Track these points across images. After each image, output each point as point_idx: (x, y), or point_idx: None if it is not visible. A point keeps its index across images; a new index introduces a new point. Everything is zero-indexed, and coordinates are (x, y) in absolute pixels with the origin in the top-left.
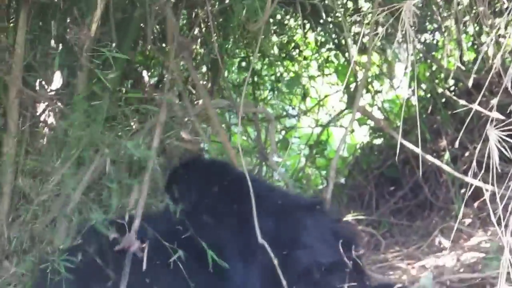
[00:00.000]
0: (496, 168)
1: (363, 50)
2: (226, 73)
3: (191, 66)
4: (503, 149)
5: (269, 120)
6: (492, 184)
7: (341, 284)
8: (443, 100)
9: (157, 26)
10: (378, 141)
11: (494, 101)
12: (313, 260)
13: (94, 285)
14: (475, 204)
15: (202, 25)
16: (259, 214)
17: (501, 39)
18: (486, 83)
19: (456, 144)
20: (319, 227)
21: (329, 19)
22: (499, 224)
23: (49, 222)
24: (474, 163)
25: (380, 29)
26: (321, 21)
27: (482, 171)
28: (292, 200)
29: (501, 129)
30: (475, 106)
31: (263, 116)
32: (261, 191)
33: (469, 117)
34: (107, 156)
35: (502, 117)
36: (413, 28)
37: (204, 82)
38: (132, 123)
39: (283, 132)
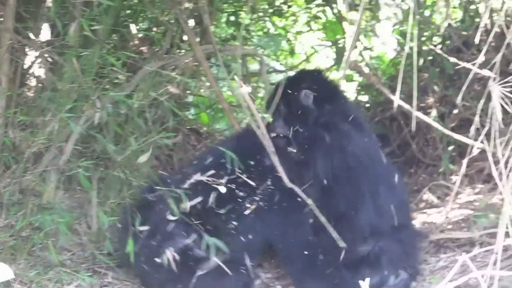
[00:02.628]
0: (499, 124)
1: (352, 6)
2: (214, 28)
3: (184, 20)
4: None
5: (261, 62)
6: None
7: None
8: (430, 57)
9: None
10: (364, 98)
11: (497, 58)
12: None
13: None
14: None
15: None
16: None
17: None
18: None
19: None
20: None
21: None
22: (487, 182)
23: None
24: (477, 118)
25: None
26: None
27: (485, 129)
28: None
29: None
30: (474, 68)
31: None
32: None
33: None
34: (98, 108)
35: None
36: None
37: None
38: (121, 75)
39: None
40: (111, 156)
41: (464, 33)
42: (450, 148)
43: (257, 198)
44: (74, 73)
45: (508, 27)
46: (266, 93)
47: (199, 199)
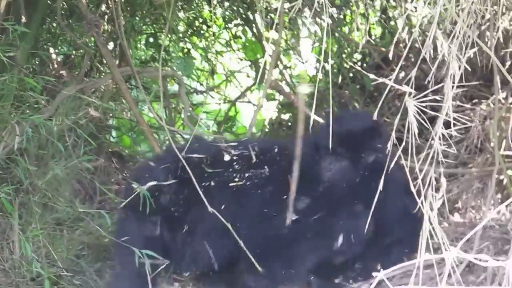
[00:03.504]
0: (416, 139)
1: (271, 25)
2: (133, 50)
3: (101, 43)
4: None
5: (179, 84)
6: (411, 156)
7: None
8: (351, 74)
9: (64, 3)
10: (285, 117)
11: (412, 73)
12: None
13: None
14: None
15: (109, 2)
16: None
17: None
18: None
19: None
20: None
21: None
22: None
23: None
24: (393, 135)
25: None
26: None
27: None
28: None
29: (418, 101)
30: (390, 82)
31: (172, 93)
32: None
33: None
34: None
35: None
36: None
37: None
38: (40, 99)
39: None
40: (32, 180)
41: (383, 49)
42: None
43: None
44: None
45: (423, 42)
46: (185, 114)
47: None
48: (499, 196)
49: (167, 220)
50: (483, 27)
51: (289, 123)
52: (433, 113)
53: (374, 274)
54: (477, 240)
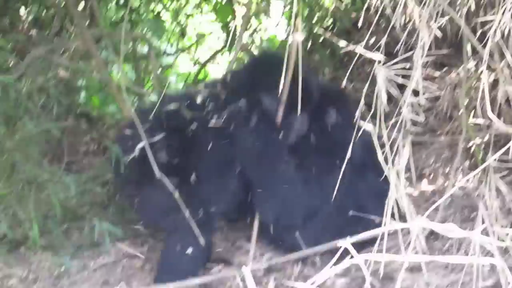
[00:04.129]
0: (385, 107)
1: None
2: (103, 11)
3: (71, 3)
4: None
5: (149, 45)
6: (379, 124)
7: None
8: (321, 40)
9: None
10: None
11: (382, 42)
12: None
13: None
14: None
15: None
16: None
17: None
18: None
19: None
20: None
21: None
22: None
23: None
24: (362, 103)
25: None
26: None
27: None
28: None
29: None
30: (360, 49)
31: (142, 54)
32: None
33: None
34: None
35: (379, 58)
36: None
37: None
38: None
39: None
40: (0, 141)
41: (353, 15)
42: None
43: None
44: None
45: (394, 9)
46: (155, 75)
47: None
48: (467, 164)
49: (173, 175)
50: None
51: None
52: (402, 80)
53: (339, 242)
54: (441, 209)
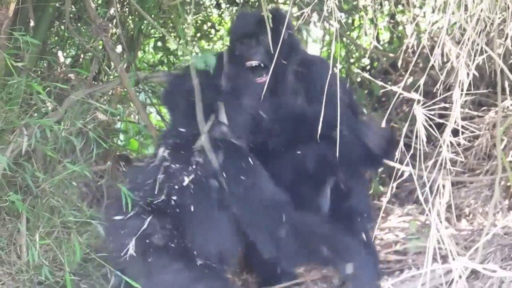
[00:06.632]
0: (424, 147)
1: None
2: (141, 53)
3: (109, 46)
4: (429, 128)
5: None
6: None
7: None
8: (359, 79)
9: (72, 6)
10: None
11: (421, 81)
12: None
13: None
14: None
15: (118, 5)
16: None
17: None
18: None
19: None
20: None
21: None
22: (417, 203)
23: None
24: (402, 143)
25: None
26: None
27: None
28: None
29: (427, 109)
30: (398, 89)
31: None
32: None
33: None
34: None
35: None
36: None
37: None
38: (48, 103)
39: None
40: (40, 184)
41: (391, 54)
42: (380, 169)
43: None
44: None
45: (432, 48)
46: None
47: None
48: (506, 202)
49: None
50: (491, 34)
51: None
52: (441, 121)
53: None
54: (481, 248)
